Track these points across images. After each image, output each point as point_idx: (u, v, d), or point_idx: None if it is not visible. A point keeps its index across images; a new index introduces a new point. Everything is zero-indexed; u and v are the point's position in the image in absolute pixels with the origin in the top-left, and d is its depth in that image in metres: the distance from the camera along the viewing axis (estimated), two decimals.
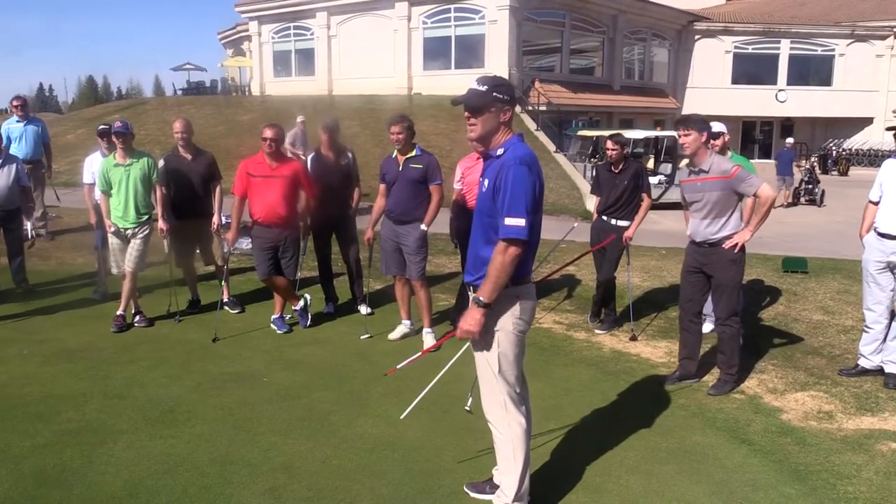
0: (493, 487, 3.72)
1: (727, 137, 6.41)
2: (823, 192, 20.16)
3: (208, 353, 6.18)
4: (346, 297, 7.61)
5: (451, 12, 28.57)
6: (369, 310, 7.27)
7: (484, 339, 3.37)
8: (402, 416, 4.63)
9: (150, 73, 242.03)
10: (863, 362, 5.76)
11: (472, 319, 3.27)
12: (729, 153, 6.44)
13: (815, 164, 22.28)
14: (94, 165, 7.52)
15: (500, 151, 3.35)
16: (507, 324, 3.36)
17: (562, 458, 4.25)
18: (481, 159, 6.84)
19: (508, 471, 3.50)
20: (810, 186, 20.19)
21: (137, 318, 6.90)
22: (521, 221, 3.19)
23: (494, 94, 3.31)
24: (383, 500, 3.79)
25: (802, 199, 20.13)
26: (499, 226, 3.24)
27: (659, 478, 4.06)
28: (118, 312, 6.82)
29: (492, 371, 3.40)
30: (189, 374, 5.65)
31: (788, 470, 4.20)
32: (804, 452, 4.42)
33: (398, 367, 5.01)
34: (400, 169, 6.23)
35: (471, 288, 3.47)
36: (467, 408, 4.22)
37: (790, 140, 21.67)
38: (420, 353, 5.22)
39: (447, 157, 14.84)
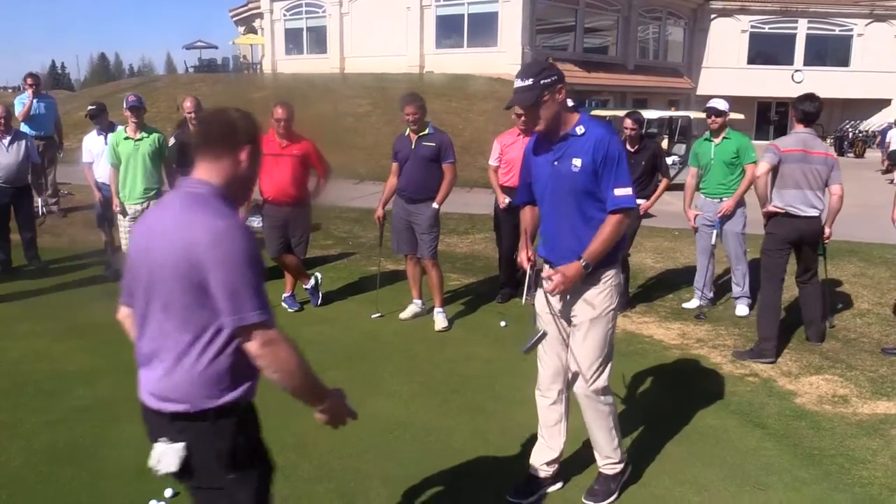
0: (544, 483, 3.71)
1: (728, 116, 6.61)
2: None
3: None
4: (354, 277, 7.59)
5: None
6: None
7: (604, 316, 3.49)
8: (524, 351, 3.66)
9: (161, 50, 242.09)
10: None
11: (575, 276, 3.31)
12: (726, 130, 6.63)
13: None
14: (90, 144, 7.57)
15: (581, 130, 3.37)
16: (616, 300, 3.55)
17: (572, 440, 4.20)
18: (522, 136, 6.84)
19: (612, 437, 3.65)
20: None
21: None
22: (629, 190, 3.33)
23: (542, 81, 3.27)
24: (394, 481, 3.78)
25: None
26: (606, 199, 3.33)
27: (672, 460, 4.04)
28: None
29: (608, 346, 3.55)
30: None
31: (802, 454, 4.16)
32: (818, 436, 4.38)
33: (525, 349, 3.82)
34: (413, 147, 6.17)
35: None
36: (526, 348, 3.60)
37: (892, 119, 25.50)
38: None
39: (459, 136, 14.77)
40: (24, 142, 7.67)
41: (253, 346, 2.11)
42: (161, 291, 2.15)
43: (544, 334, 3.52)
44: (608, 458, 3.68)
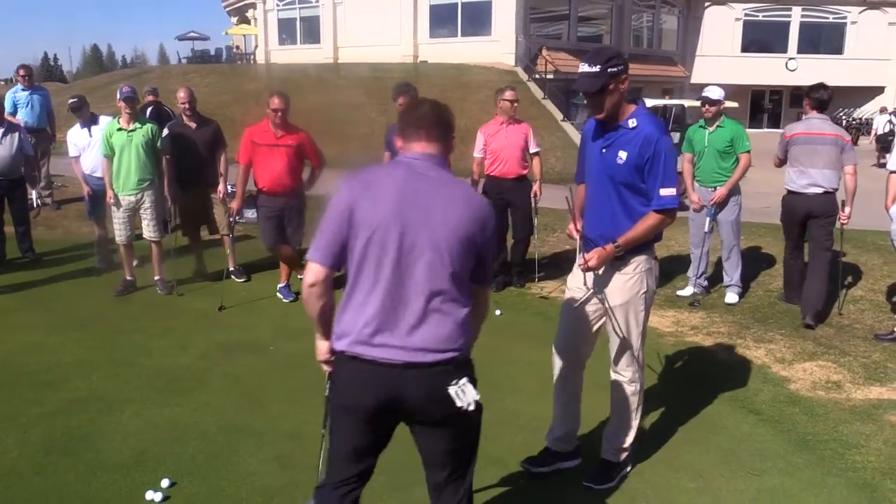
0: (558, 457, 3.78)
1: (723, 105, 6.63)
2: None
3: (215, 321, 6.18)
4: None
5: None
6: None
7: (634, 301, 3.52)
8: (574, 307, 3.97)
9: (154, 41, 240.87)
10: None
11: (605, 258, 3.40)
12: (721, 119, 6.64)
13: None
14: (75, 138, 7.56)
15: (633, 123, 3.36)
16: (651, 284, 3.57)
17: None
18: (506, 125, 6.79)
19: (630, 420, 3.69)
20: None
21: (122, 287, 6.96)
22: (674, 191, 3.36)
23: (609, 69, 3.25)
24: (391, 468, 3.76)
25: None
26: (650, 197, 3.35)
27: (667, 447, 4.06)
28: (156, 277, 7.01)
29: (639, 329, 3.57)
30: (196, 342, 5.66)
31: (796, 439, 4.19)
32: (812, 422, 4.41)
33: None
34: None
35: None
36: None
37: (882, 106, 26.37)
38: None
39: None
40: (16, 134, 7.62)
41: (487, 299, 2.71)
42: (444, 252, 2.40)
43: (593, 291, 3.57)
44: (617, 445, 3.71)
